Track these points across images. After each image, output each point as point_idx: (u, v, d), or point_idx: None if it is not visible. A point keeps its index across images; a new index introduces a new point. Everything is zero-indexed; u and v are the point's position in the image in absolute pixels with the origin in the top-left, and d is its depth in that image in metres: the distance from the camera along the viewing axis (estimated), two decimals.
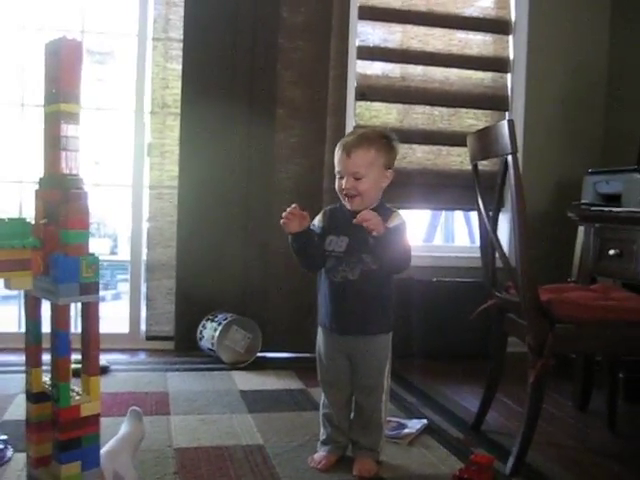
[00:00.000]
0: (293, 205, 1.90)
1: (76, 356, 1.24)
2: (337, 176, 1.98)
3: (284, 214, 1.89)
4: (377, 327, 1.99)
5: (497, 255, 2.28)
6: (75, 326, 2.19)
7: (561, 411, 2.68)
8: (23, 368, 1.42)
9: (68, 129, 1.04)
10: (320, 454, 2.04)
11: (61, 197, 1.04)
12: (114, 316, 4.00)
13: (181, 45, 3.35)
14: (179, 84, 3.36)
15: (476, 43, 3.83)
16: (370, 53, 3.69)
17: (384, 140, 1.97)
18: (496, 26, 3.85)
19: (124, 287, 4.78)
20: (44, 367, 1.21)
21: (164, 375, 2.98)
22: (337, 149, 1.98)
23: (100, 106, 3.65)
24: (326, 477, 1.95)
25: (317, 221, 2.05)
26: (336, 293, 1.98)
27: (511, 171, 1.99)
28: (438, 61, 3.77)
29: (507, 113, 3.87)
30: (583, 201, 3.11)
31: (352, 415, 2.07)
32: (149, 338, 3.50)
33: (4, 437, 2.02)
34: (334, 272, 1.97)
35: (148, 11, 3.46)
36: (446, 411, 2.63)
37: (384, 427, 2.04)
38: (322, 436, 2.08)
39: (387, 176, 1.98)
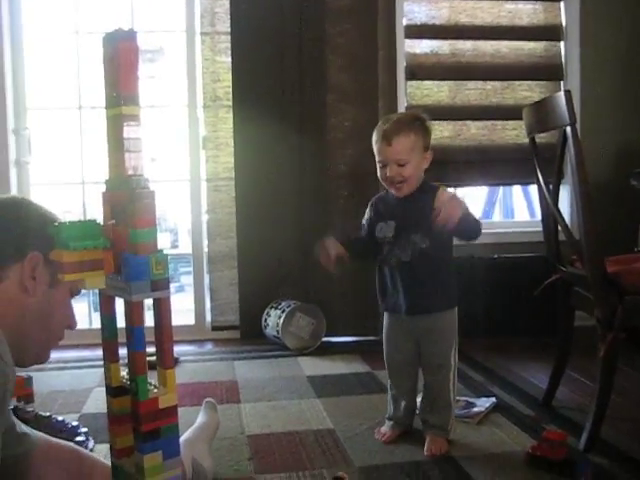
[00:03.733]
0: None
1: (149, 349, 1.28)
2: (379, 165, 2.00)
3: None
4: (440, 304, 2.01)
5: (560, 228, 2.24)
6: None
7: (633, 384, 2.62)
8: (96, 363, 1.47)
9: (130, 131, 1.07)
10: (384, 428, 2.11)
11: (128, 197, 1.07)
12: (179, 308, 4.08)
13: (229, 38, 3.39)
14: (229, 76, 3.39)
15: (526, 12, 3.74)
16: (418, 31, 3.64)
17: (419, 122, 2.00)
18: None
19: (187, 279, 4.87)
20: (121, 361, 1.25)
21: (232, 364, 3.04)
22: (375, 138, 2.00)
23: (154, 103, 3.72)
24: (398, 456, 1.97)
25: (366, 214, 2.12)
26: (394, 276, 2.02)
27: (570, 142, 1.95)
28: (488, 34, 3.69)
29: (562, 82, 3.77)
30: None
31: (420, 397, 2.10)
32: (215, 328, 3.57)
33: (85, 429, 2.09)
34: (389, 256, 2.02)
35: (195, 6, 3.50)
36: (514, 388, 2.61)
37: (453, 406, 2.05)
38: (389, 412, 2.14)
39: (427, 158, 2.01)
